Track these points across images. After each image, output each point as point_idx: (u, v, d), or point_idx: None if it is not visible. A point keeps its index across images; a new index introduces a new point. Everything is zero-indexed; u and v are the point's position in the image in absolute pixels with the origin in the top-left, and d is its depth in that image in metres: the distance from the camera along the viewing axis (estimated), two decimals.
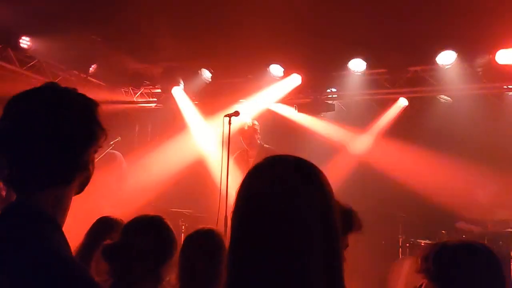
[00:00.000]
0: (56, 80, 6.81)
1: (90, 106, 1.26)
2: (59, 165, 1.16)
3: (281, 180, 1.09)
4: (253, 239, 1.05)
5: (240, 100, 7.42)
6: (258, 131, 5.87)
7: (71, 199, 1.22)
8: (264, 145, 5.90)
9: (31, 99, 1.20)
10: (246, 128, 5.79)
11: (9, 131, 1.15)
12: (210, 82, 7.03)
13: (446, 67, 6.06)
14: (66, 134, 1.17)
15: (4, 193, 1.25)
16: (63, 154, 1.16)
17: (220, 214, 4.26)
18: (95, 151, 1.26)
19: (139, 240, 2.00)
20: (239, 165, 5.53)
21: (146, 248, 1.98)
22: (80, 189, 1.27)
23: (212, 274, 2.25)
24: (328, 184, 1.13)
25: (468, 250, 1.75)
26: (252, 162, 5.40)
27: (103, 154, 5.61)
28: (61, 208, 1.19)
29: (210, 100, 7.62)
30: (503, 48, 5.68)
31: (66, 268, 1.06)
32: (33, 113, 1.16)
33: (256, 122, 5.98)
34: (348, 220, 1.82)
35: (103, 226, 2.67)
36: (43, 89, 1.23)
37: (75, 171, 1.20)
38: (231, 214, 1.12)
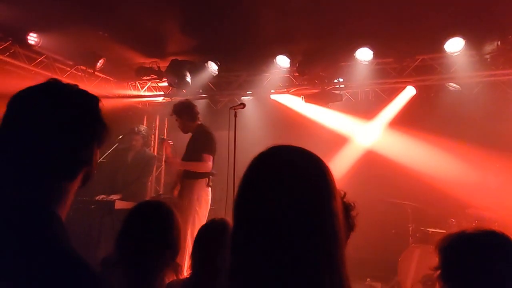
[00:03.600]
0: (64, 76, 6.87)
1: (91, 102, 1.27)
2: (62, 161, 1.18)
3: (283, 168, 1.10)
4: (256, 226, 1.06)
5: (247, 92, 7.43)
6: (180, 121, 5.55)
7: (73, 193, 1.24)
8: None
9: (33, 96, 1.21)
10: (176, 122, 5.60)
11: (12, 128, 1.17)
12: (216, 75, 7.03)
13: (454, 54, 6.00)
14: (68, 130, 1.18)
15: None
16: (66, 150, 1.18)
17: (229, 204, 4.28)
18: (98, 147, 1.28)
19: (138, 226, 2.06)
20: None
21: (145, 234, 2.03)
22: (83, 183, 1.28)
23: (225, 263, 2.27)
24: (330, 173, 1.13)
25: (485, 238, 1.69)
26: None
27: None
28: (63, 202, 1.19)
29: (217, 93, 7.64)
30: (510, 35, 5.60)
31: (69, 261, 1.07)
32: (35, 110, 1.17)
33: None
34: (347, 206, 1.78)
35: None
36: (45, 86, 1.24)
37: (78, 166, 1.22)
38: (233, 201, 1.13)
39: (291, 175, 1.08)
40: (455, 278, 1.65)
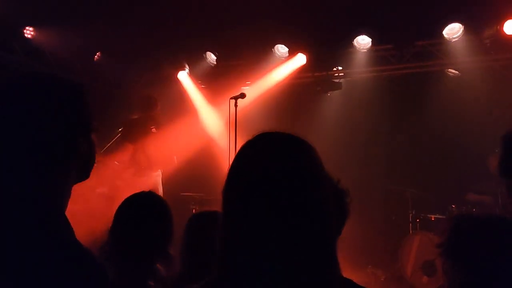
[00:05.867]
0: (61, 70, 6.82)
1: (75, 91, 1.25)
2: (49, 154, 1.16)
3: (269, 154, 1.09)
4: (243, 214, 1.06)
5: (246, 82, 7.39)
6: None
7: (70, 186, 1.22)
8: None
9: (13, 88, 1.19)
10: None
11: None
12: (215, 65, 6.99)
13: (453, 40, 5.98)
14: (49, 120, 1.17)
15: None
16: (48, 141, 1.16)
17: None
18: (87, 136, 1.25)
19: (129, 217, 2.09)
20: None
21: (137, 225, 2.05)
22: (81, 176, 1.26)
23: (213, 254, 2.29)
24: (318, 157, 1.12)
25: (485, 223, 1.68)
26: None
27: None
28: (60, 195, 1.19)
29: (215, 83, 7.60)
30: (511, 18, 5.57)
31: (72, 252, 1.07)
32: (16, 102, 1.16)
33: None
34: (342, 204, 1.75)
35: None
36: (24, 77, 1.22)
37: (67, 158, 1.19)
38: (222, 189, 1.12)
39: (277, 163, 1.07)
40: (459, 253, 1.65)
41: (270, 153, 1.10)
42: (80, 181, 1.27)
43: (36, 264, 1.02)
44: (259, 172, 1.07)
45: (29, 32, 6.08)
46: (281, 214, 1.03)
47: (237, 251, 1.06)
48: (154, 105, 5.79)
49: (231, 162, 1.15)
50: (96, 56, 6.85)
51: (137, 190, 2.27)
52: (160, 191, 5.59)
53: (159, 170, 5.90)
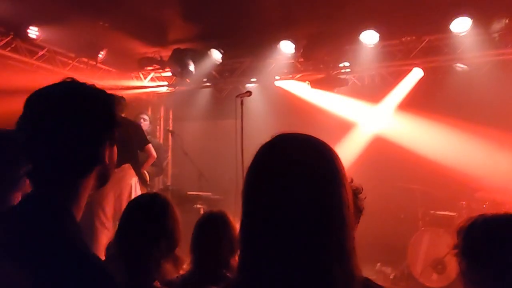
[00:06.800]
0: (66, 69, 6.84)
1: (107, 101, 1.30)
2: (75, 159, 1.21)
3: (290, 157, 1.09)
4: (265, 217, 1.06)
5: (252, 79, 7.36)
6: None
7: (87, 192, 1.26)
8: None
9: (50, 95, 1.24)
10: None
11: (28, 127, 1.20)
12: (220, 63, 6.95)
13: (461, 34, 5.89)
14: (80, 129, 1.21)
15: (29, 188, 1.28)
16: (80, 149, 1.21)
17: (238, 195, 4.24)
18: (111, 145, 1.30)
19: (134, 219, 2.11)
20: None
21: (141, 227, 2.06)
22: (101, 183, 1.31)
23: (224, 255, 2.32)
24: (339, 160, 1.12)
25: (501, 223, 1.65)
26: None
27: None
28: (77, 201, 1.23)
29: (221, 81, 7.58)
30: None
31: (82, 259, 1.09)
32: (51, 109, 1.20)
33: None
34: (357, 202, 1.79)
35: None
36: (61, 85, 1.26)
37: (91, 165, 1.25)
38: (241, 192, 1.13)
39: (299, 165, 1.07)
40: (476, 255, 1.63)
41: (291, 155, 1.09)
42: (98, 189, 1.31)
43: (41, 267, 1.05)
44: (281, 175, 1.06)
45: (33, 32, 6.07)
46: (305, 215, 1.03)
47: (259, 254, 1.06)
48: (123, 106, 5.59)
49: (244, 163, 1.14)
50: (100, 55, 6.84)
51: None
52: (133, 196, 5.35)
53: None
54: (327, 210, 1.04)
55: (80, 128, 1.21)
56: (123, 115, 5.32)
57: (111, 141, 1.30)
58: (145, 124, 6.55)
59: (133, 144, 5.29)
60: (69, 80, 1.28)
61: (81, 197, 1.24)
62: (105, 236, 4.98)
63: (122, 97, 5.31)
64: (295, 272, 1.01)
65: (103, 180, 1.31)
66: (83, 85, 1.28)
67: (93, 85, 1.30)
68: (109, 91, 1.33)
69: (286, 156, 1.10)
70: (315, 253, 1.02)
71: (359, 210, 1.77)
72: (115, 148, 1.33)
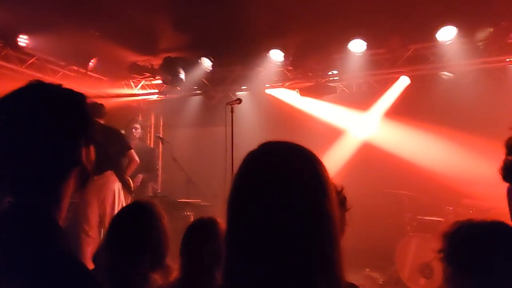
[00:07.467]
0: (56, 77, 6.83)
1: (75, 100, 1.26)
2: (51, 163, 1.17)
3: (275, 167, 1.09)
4: (249, 227, 1.06)
5: (242, 87, 7.41)
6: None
7: (69, 195, 1.22)
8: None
9: (17, 99, 1.20)
10: None
11: None
12: (211, 71, 7.00)
13: (447, 43, 6.00)
14: (53, 130, 1.18)
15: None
16: (54, 151, 1.17)
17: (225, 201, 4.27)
18: (87, 144, 1.26)
19: (120, 230, 2.10)
20: None
21: (126, 238, 2.05)
22: (81, 185, 1.27)
23: (213, 262, 2.30)
24: (324, 170, 1.12)
25: (486, 229, 1.64)
26: None
27: None
28: (59, 205, 1.20)
29: (211, 89, 7.62)
30: (504, 21, 5.61)
31: (67, 264, 1.08)
32: (20, 113, 1.17)
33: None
34: (342, 200, 1.78)
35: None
36: (27, 88, 1.22)
37: (68, 166, 1.21)
38: (227, 200, 1.12)
39: (283, 173, 1.07)
40: (460, 260, 1.62)
41: (277, 164, 1.10)
42: (78, 191, 1.27)
43: (26, 273, 1.03)
44: (267, 183, 1.07)
45: (23, 40, 6.07)
46: (289, 224, 1.03)
47: (242, 261, 1.06)
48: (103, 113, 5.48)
49: (233, 170, 1.15)
50: (91, 63, 6.85)
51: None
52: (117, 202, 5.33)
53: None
54: (310, 219, 1.04)
55: (51, 129, 1.17)
56: (102, 122, 5.33)
57: (87, 140, 1.25)
58: (137, 132, 6.57)
59: (114, 151, 5.30)
60: (34, 82, 1.23)
61: (62, 201, 1.19)
62: (89, 245, 5.00)
63: (101, 104, 5.31)
64: (278, 281, 1.01)
65: (83, 181, 1.27)
66: (50, 86, 1.24)
67: (60, 85, 1.26)
68: (99, 99, 1.31)
69: (270, 165, 1.10)
70: (299, 261, 1.02)
71: (343, 221, 1.74)
72: (92, 148, 1.28)
